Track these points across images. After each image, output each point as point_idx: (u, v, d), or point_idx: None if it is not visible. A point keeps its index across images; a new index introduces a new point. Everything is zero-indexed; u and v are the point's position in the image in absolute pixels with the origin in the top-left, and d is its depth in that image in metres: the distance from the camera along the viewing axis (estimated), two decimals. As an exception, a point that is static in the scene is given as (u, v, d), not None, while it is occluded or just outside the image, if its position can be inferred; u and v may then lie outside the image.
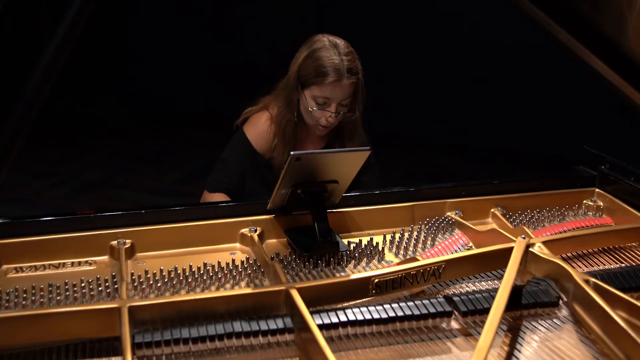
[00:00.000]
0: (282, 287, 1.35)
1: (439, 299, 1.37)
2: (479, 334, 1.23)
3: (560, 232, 1.78)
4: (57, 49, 1.08)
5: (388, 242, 1.72)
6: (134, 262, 1.60)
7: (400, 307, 1.34)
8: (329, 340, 1.29)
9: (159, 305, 1.29)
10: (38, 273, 1.54)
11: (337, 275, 1.55)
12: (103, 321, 1.27)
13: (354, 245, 1.68)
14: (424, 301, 1.36)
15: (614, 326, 1.26)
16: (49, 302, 1.39)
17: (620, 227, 1.76)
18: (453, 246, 1.71)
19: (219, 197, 2.29)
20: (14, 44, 6.10)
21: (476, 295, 1.39)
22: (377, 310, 1.32)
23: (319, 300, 1.37)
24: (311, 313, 1.26)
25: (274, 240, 1.73)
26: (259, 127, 2.33)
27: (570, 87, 4.68)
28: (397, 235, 1.74)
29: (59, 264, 1.57)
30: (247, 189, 2.33)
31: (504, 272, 1.41)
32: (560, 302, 1.43)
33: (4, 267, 1.55)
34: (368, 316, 1.31)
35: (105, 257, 1.61)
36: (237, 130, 2.36)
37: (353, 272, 1.57)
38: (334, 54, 2.16)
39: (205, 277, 1.50)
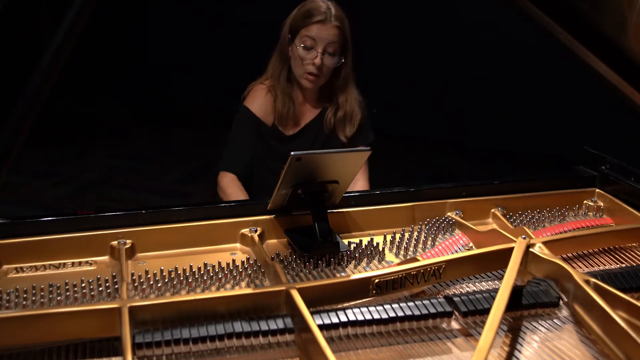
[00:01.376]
0: (283, 288, 1.35)
1: (439, 300, 1.37)
2: (480, 334, 1.23)
3: (561, 233, 1.78)
4: (57, 49, 1.08)
5: (388, 242, 1.72)
6: (134, 262, 1.60)
7: (400, 307, 1.34)
8: (330, 340, 1.29)
9: (159, 306, 1.29)
10: (38, 273, 1.54)
11: (338, 275, 1.55)
12: (103, 321, 1.27)
13: (355, 245, 1.68)
14: (424, 301, 1.36)
15: (615, 326, 1.26)
16: (49, 302, 1.39)
17: (620, 228, 1.76)
18: (453, 246, 1.71)
19: (231, 180, 2.38)
20: (14, 44, 6.10)
21: (476, 296, 1.39)
22: (377, 310, 1.32)
23: (319, 300, 1.37)
24: (311, 313, 1.26)
25: (274, 241, 1.73)
26: (258, 97, 2.47)
27: (570, 87, 4.68)
28: (398, 236, 1.74)
29: (60, 264, 1.57)
30: (256, 161, 2.45)
31: (504, 272, 1.40)
32: (561, 302, 1.43)
33: (5, 267, 1.55)
34: (368, 316, 1.31)
35: (105, 257, 1.61)
36: (240, 107, 2.50)
37: (353, 273, 1.57)
38: (323, 2, 2.38)
39: (205, 278, 1.50)
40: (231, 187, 2.37)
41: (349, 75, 2.47)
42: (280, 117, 2.45)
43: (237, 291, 1.37)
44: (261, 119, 2.46)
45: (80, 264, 1.58)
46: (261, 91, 2.48)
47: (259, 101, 2.47)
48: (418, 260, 1.51)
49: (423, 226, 1.78)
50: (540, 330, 1.37)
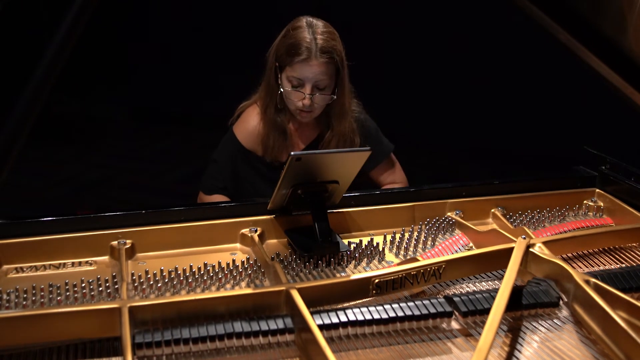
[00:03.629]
0: (283, 288, 1.35)
1: (439, 299, 1.37)
2: (480, 334, 1.23)
3: (561, 233, 1.78)
4: (57, 49, 1.08)
5: (388, 242, 1.72)
6: (134, 262, 1.60)
7: (400, 307, 1.34)
8: (330, 340, 1.29)
9: (159, 306, 1.29)
10: (38, 273, 1.54)
11: (338, 275, 1.55)
12: (103, 321, 1.27)
13: (355, 245, 1.68)
14: (424, 301, 1.36)
15: (615, 326, 1.26)
16: (49, 302, 1.39)
17: (620, 228, 1.76)
18: (453, 246, 1.71)
19: (216, 198, 2.26)
20: (14, 44, 6.10)
21: (476, 296, 1.39)
22: (377, 310, 1.32)
23: (319, 300, 1.37)
24: (311, 313, 1.26)
25: (274, 241, 1.73)
26: (248, 125, 2.27)
27: (570, 87, 4.68)
28: (398, 236, 1.74)
29: (59, 264, 1.57)
30: (246, 185, 2.28)
31: (504, 272, 1.40)
32: (561, 302, 1.43)
33: (5, 267, 1.55)
34: (368, 316, 1.31)
35: (105, 257, 1.61)
36: (229, 130, 2.31)
37: (353, 273, 1.57)
38: (308, 33, 2.10)
39: (205, 278, 1.50)
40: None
41: (345, 99, 2.22)
42: (270, 149, 2.24)
43: (237, 291, 1.37)
44: (250, 149, 2.25)
45: (80, 264, 1.58)
46: (252, 118, 2.26)
47: (247, 129, 2.25)
48: (418, 260, 1.51)
49: (423, 226, 1.78)
50: (540, 330, 1.37)
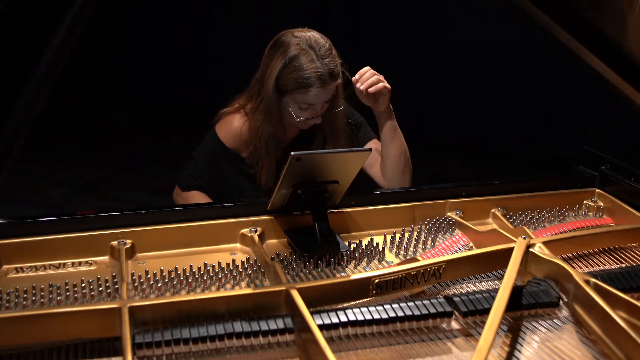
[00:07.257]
0: (283, 288, 1.35)
1: (439, 300, 1.37)
2: (480, 334, 1.23)
3: (561, 233, 1.78)
4: (57, 49, 1.08)
5: (388, 242, 1.72)
6: (134, 262, 1.60)
7: (400, 307, 1.34)
8: (330, 340, 1.29)
9: (159, 306, 1.29)
10: (38, 273, 1.54)
11: (338, 275, 1.55)
12: (103, 321, 1.27)
13: (355, 245, 1.68)
14: (424, 301, 1.36)
15: (615, 327, 1.26)
16: (49, 302, 1.39)
17: (620, 228, 1.76)
18: (453, 246, 1.71)
19: (194, 195, 2.24)
20: (14, 44, 6.10)
21: (476, 296, 1.39)
22: (377, 310, 1.32)
23: (319, 300, 1.37)
24: (311, 313, 1.26)
25: (274, 241, 1.73)
26: (232, 126, 2.22)
27: (570, 87, 4.68)
28: (398, 236, 1.74)
29: (59, 264, 1.57)
30: (229, 185, 2.25)
31: (504, 272, 1.40)
32: (561, 302, 1.43)
33: (5, 267, 1.55)
34: (368, 316, 1.31)
35: (105, 257, 1.61)
36: (210, 130, 2.27)
37: (353, 273, 1.57)
38: (313, 61, 2.04)
39: (205, 278, 1.50)
40: (197, 198, 2.22)
41: (341, 98, 2.21)
42: (257, 162, 2.20)
43: (237, 291, 1.37)
44: (231, 148, 2.22)
45: (80, 264, 1.58)
46: (239, 120, 2.21)
47: (232, 130, 2.21)
48: (418, 260, 1.51)
49: (423, 226, 1.78)
50: (540, 330, 1.37)
